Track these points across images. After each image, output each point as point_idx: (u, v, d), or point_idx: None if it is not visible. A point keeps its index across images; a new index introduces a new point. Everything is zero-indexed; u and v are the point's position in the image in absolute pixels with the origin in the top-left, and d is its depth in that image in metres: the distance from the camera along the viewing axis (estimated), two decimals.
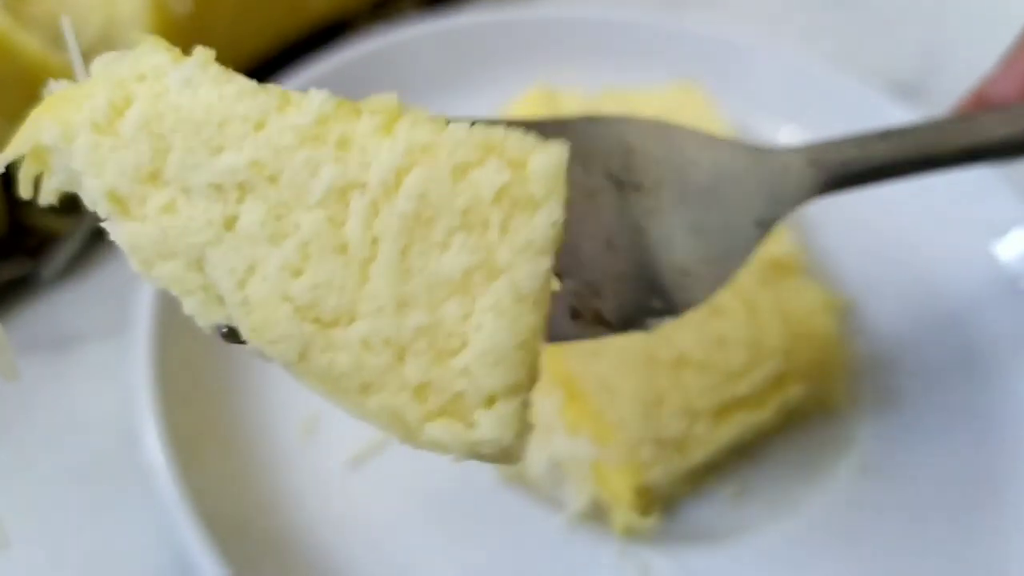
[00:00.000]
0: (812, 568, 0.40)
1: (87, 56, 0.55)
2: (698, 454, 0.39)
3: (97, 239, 0.49)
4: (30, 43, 0.44)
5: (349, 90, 0.55)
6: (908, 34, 0.76)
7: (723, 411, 0.41)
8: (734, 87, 0.57)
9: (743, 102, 0.58)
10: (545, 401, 0.40)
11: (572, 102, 0.52)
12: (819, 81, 0.59)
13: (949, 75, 0.72)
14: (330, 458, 0.40)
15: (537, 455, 0.39)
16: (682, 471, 0.39)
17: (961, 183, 0.54)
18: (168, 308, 0.40)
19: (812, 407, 0.44)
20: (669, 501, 0.40)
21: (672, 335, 0.42)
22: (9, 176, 0.45)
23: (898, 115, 0.57)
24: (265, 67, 0.59)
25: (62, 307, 0.46)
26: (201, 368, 0.41)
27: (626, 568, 0.38)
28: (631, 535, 0.39)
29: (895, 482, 0.42)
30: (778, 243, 0.46)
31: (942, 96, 0.69)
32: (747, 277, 0.45)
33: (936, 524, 0.41)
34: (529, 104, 0.52)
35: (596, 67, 0.56)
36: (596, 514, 0.40)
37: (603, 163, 0.28)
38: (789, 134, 0.58)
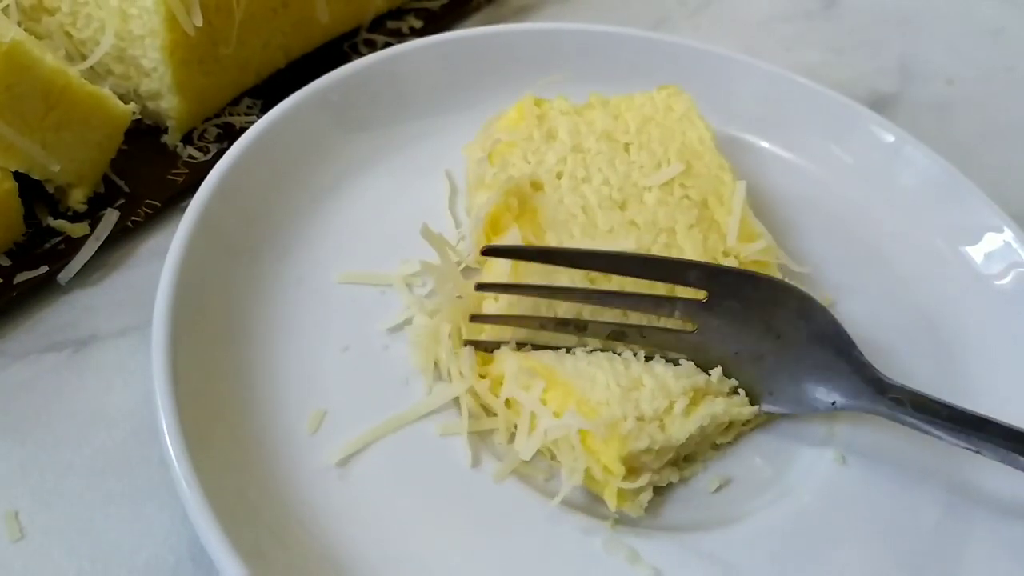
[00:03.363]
0: (795, 555, 0.41)
1: (101, 70, 0.57)
2: (679, 432, 0.41)
3: (113, 242, 0.50)
4: (46, 57, 0.45)
5: (351, 100, 0.58)
6: (886, 46, 0.78)
7: (699, 395, 0.43)
8: (717, 98, 0.59)
9: (725, 114, 0.60)
10: (526, 393, 0.42)
11: (560, 112, 0.54)
12: (799, 92, 0.61)
13: (926, 86, 0.74)
14: (336, 453, 0.41)
15: (527, 442, 0.41)
16: (666, 448, 0.41)
17: (935, 189, 0.57)
18: (183, 308, 0.42)
19: None
20: (657, 487, 0.42)
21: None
22: (26, 181, 0.47)
23: (875, 125, 0.59)
24: (272, 81, 0.61)
25: (79, 309, 0.48)
26: (214, 366, 0.42)
27: (616, 554, 0.40)
28: (623, 506, 0.40)
29: (872, 473, 0.44)
30: (754, 244, 0.48)
31: (919, 107, 0.72)
32: None
33: (910, 512, 0.43)
34: (518, 115, 0.54)
35: (584, 79, 0.58)
36: (587, 506, 0.41)
37: (768, 316, 0.44)
38: (770, 143, 0.61)
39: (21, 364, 0.45)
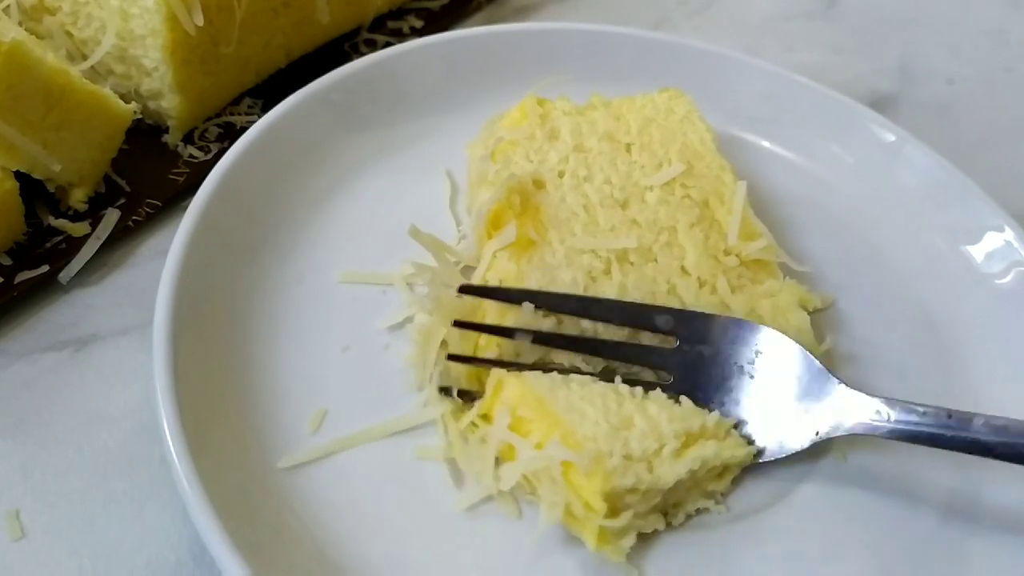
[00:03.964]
0: (795, 555, 0.41)
1: (102, 70, 0.57)
2: (668, 475, 0.39)
3: (114, 242, 0.50)
4: (47, 56, 0.45)
5: (352, 100, 0.58)
6: (886, 46, 0.78)
7: (692, 438, 0.41)
8: (718, 98, 0.60)
9: (727, 113, 0.60)
10: (496, 422, 0.41)
11: (562, 112, 0.54)
12: (800, 91, 0.61)
13: (926, 86, 0.74)
14: (337, 452, 0.41)
15: (507, 473, 0.39)
16: (652, 490, 0.39)
17: (936, 188, 0.57)
18: (184, 307, 0.42)
19: None
20: (640, 532, 0.40)
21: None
22: (27, 181, 0.47)
23: (876, 124, 0.59)
24: (272, 80, 0.61)
25: (80, 308, 0.48)
26: (215, 365, 0.42)
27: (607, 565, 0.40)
28: (603, 548, 0.38)
29: (872, 472, 0.44)
30: (755, 242, 0.48)
31: (919, 107, 0.72)
32: (721, 283, 0.47)
33: (911, 511, 0.43)
34: (520, 115, 0.54)
35: (584, 79, 0.58)
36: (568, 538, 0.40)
37: (737, 355, 0.44)
38: (771, 143, 0.61)
39: (22, 363, 0.45)
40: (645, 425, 0.40)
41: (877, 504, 0.43)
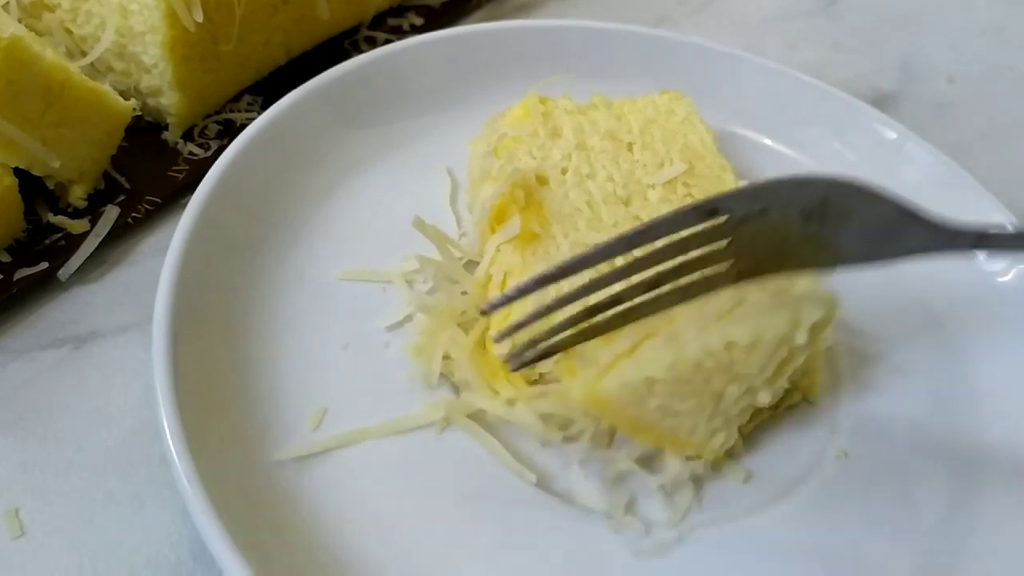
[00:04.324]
0: (795, 553, 0.41)
1: (101, 66, 0.57)
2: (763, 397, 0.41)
3: (113, 239, 0.50)
4: (46, 53, 0.45)
5: (352, 97, 0.58)
6: (887, 44, 0.78)
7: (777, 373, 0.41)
8: (719, 96, 0.60)
9: (728, 111, 0.60)
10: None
11: (564, 111, 0.54)
12: (801, 89, 0.61)
13: (927, 84, 0.74)
14: (338, 448, 0.41)
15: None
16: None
17: (937, 185, 0.56)
18: (184, 304, 0.42)
19: (795, 399, 0.46)
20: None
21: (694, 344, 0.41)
22: (26, 177, 0.47)
23: (877, 122, 0.59)
24: (272, 77, 0.61)
25: (79, 305, 0.48)
26: (215, 363, 0.42)
27: (621, 552, 0.40)
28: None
29: (873, 470, 0.44)
30: None
31: (920, 105, 0.72)
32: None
33: (912, 510, 0.43)
34: (523, 112, 0.54)
35: (585, 76, 0.58)
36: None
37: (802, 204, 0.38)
38: (773, 140, 0.61)
39: (21, 361, 0.45)
40: (736, 389, 0.40)
41: (877, 504, 0.43)
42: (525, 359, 0.41)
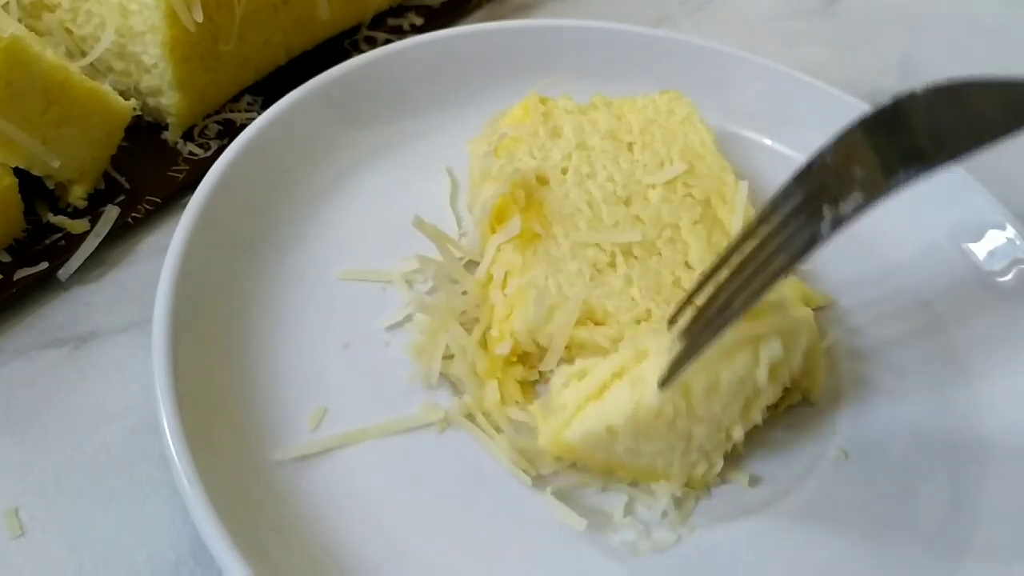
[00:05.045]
0: (796, 553, 0.41)
1: (101, 66, 0.57)
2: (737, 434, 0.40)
3: (113, 239, 0.50)
4: (46, 52, 0.45)
5: (352, 97, 0.58)
6: (887, 44, 0.78)
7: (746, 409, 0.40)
8: (719, 95, 0.60)
9: (728, 110, 0.60)
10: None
11: (564, 111, 0.54)
12: (801, 89, 0.61)
13: (927, 82, 0.74)
14: (338, 448, 0.41)
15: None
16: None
17: (937, 185, 0.56)
18: (184, 304, 0.42)
19: (795, 398, 0.46)
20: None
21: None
22: (26, 177, 0.47)
23: None
24: (272, 77, 0.61)
25: (79, 305, 0.48)
26: (215, 363, 0.42)
27: (618, 552, 0.40)
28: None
29: (874, 470, 0.44)
30: None
31: None
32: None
33: (913, 510, 0.43)
34: (523, 112, 0.54)
35: (585, 76, 0.58)
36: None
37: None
38: (772, 140, 0.61)
39: (21, 361, 0.45)
40: (703, 429, 0.40)
41: (877, 504, 0.43)
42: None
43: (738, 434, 0.40)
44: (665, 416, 0.38)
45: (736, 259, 0.37)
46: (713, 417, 0.39)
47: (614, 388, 0.40)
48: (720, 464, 0.41)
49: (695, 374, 0.38)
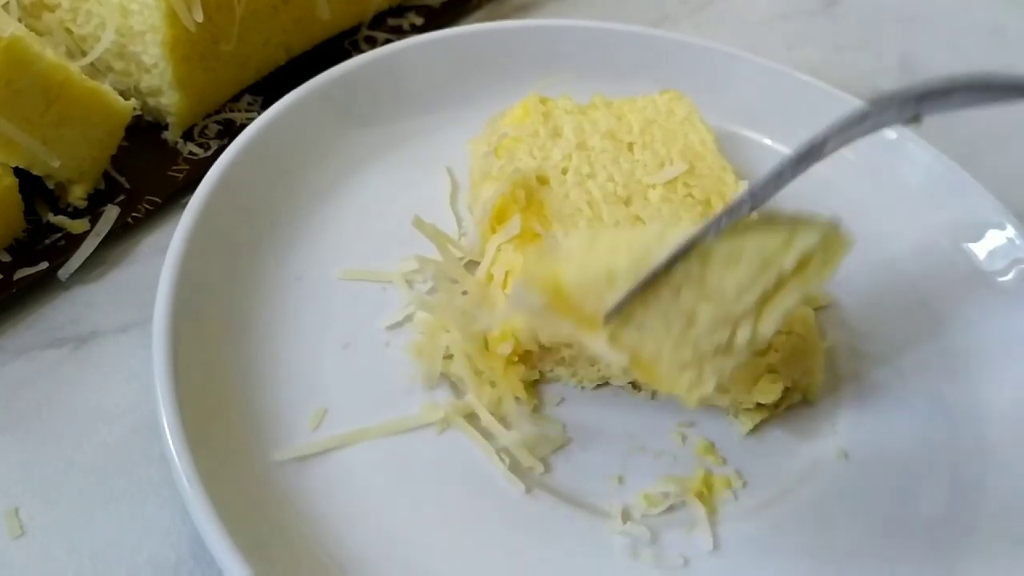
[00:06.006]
0: (796, 553, 0.41)
1: (101, 66, 0.57)
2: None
3: (113, 239, 0.50)
4: (46, 52, 0.45)
5: (352, 97, 0.58)
6: (887, 44, 0.78)
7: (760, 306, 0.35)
8: (719, 95, 0.60)
9: (728, 111, 0.60)
10: None
11: (564, 111, 0.54)
12: (801, 89, 0.61)
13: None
14: (338, 448, 0.41)
15: None
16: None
17: (937, 185, 0.57)
18: (184, 304, 0.42)
19: (795, 398, 0.46)
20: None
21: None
22: (26, 177, 0.47)
23: None
24: (272, 77, 0.61)
25: (79, 305, 0.48)
26: (215, 362, 0.42)
27: (620, 549, 0.40)
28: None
29: (874, 470, 0.44)
30: None
31: None
32: None
33: (913, 510, 0.43)
34: (523, 112, 0.54)
35: (585, 76, 0.58)
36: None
37: None
38: (772, 140, 0.61)
39: (22, 360, 0.45)
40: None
41: (877, 504, 0.43)
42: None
43: (742, 336, 0.35)
44: (673, 280, 0.35)
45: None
46: (723, 298, 0.34)
47: (626, 237, 0.36)
48: (710, 385, 0.36)
49: (719, 240, 0.34)
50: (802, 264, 0.34)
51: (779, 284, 0.34)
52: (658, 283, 0.35)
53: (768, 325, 0.35)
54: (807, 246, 0.34)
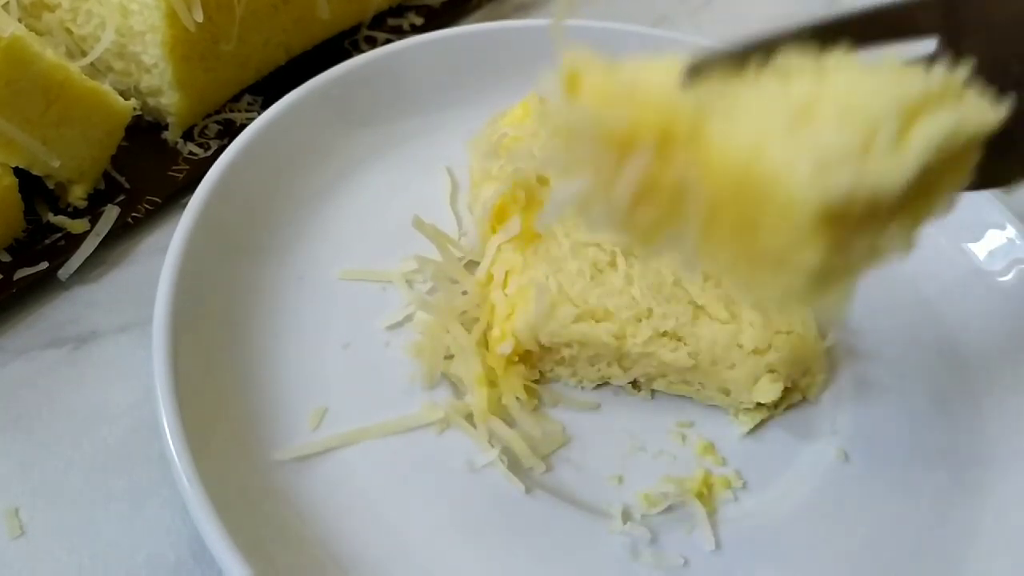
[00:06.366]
0: (796, 553, 0.41)
1: (101, 66, 0.57)
2: (894, 172, 0.26)
3: (113, 239, 0.50)
4: (46, 52, 0.45)
5: (352, 97, 0.58)
6: (886, 44, 0.78)
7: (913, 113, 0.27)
8: None
9: None
10: None
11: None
12: None
13: None
14: (338, 447, 0.41)
15: None
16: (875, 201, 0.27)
17: None
18: (184, 304, 0.42)
19: (794, 398, 0.46)
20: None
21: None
22: (26, 177, 0.47)
23: None
24: (272, 77, 0.61)
25: (79, 305, 0.48)
26: (215, 362, 0.42)
27: (621, 548, 0.40)
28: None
29: (874, 470, 0.44)
30: None
31: None
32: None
33: (913, 509, 0.43)
34: (523, 112, 0.54)
35: None
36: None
37: None
38: None
39: (21, 360, 0.45)
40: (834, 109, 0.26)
41: (877, 504, 0.43)
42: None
43: (884, 138, 0.26)
44: (779, 64, 0.29)
45: None
46: (852, 96, 0.27)
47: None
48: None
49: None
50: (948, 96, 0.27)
51: (925, 103, 0.26)
52: (757, 61, 0.28)
53: (919, 141, 0.25)
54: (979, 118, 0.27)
